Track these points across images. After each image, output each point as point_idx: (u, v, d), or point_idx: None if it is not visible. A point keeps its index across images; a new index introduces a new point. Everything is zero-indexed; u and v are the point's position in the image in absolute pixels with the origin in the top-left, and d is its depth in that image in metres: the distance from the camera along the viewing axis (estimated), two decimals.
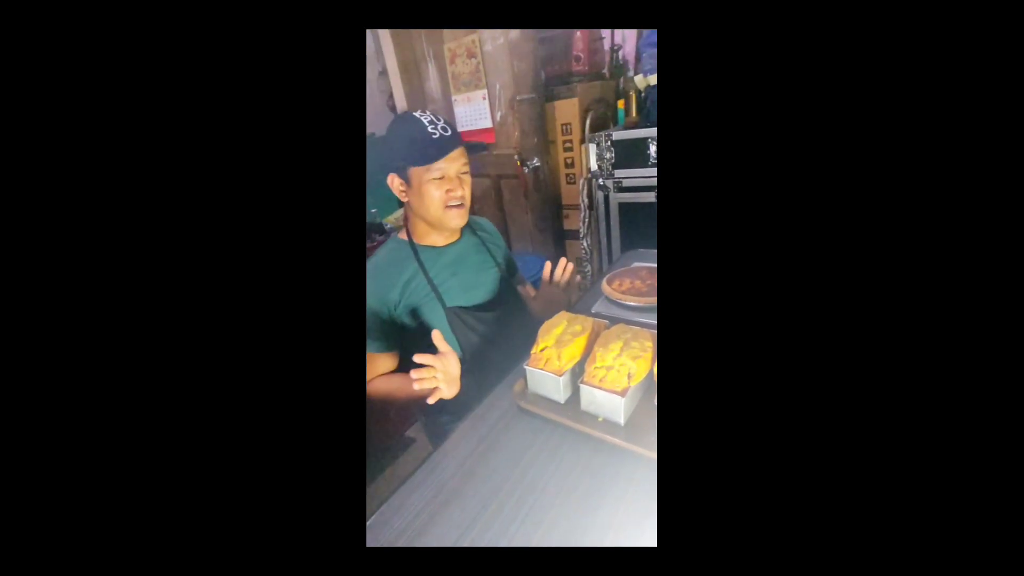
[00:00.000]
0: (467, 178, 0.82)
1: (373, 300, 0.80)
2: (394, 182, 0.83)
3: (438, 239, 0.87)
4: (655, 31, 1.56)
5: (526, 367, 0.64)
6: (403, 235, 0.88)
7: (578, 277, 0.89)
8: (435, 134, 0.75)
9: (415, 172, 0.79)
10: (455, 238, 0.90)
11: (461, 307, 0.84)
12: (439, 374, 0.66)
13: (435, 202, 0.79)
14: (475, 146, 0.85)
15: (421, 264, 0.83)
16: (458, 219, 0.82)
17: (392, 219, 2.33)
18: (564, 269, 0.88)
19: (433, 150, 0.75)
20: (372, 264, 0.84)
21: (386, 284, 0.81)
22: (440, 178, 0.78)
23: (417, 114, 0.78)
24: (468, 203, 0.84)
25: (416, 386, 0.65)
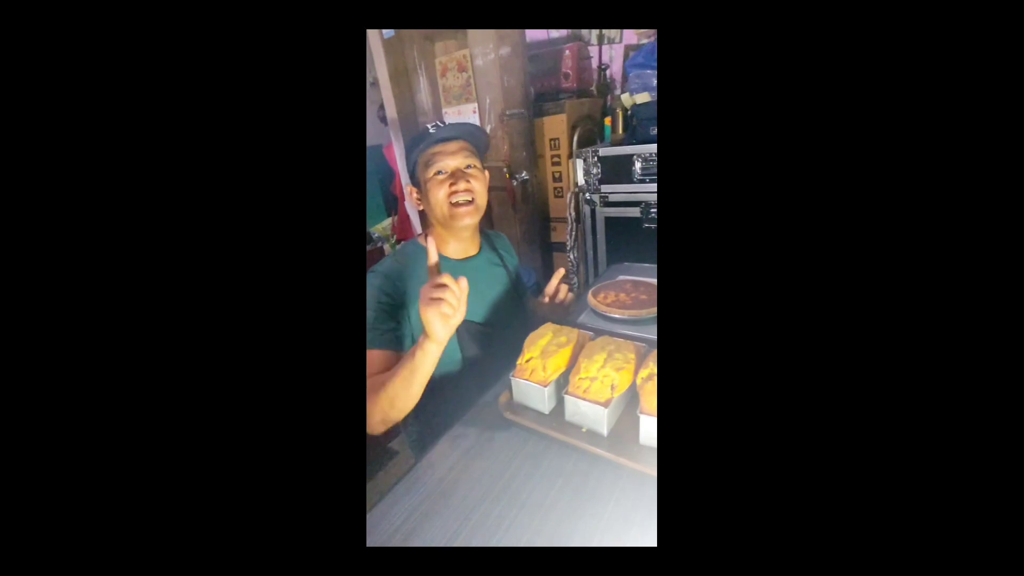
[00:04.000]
0: (476, 173, 0.81)
1: (385, 294, 0.77)
2: (412, 194, 0.84)
3: (457, 251, 0.86)
4: (641, 52, 1.61)
5: (512, 377, 0.64)
6: (422, 241, 0.87)
7: (567, 292, 0.91)
8: (432, 131, 0.79)
9: (421, 175, 0.80)
10: (473, 252, 0.89)
11: (471, 320, 0.82)
12: (453, 298, 0.60)
13: (440, 200, 0.78)
14: (469, 128, 0.82)
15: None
16: (467, 218, 0.80)
17: (379, 228, 2.33)
18: (557, 285, 0.88)
19: (428, 140, 0.79)
20: (392, 260, 0.83)
21: (404, 280, 0.79)
22: (440, 174, 0.78)
23: (427, 124, 0.82)
24: (480, 202, 0.81)
25: (437, 295, 0.59)
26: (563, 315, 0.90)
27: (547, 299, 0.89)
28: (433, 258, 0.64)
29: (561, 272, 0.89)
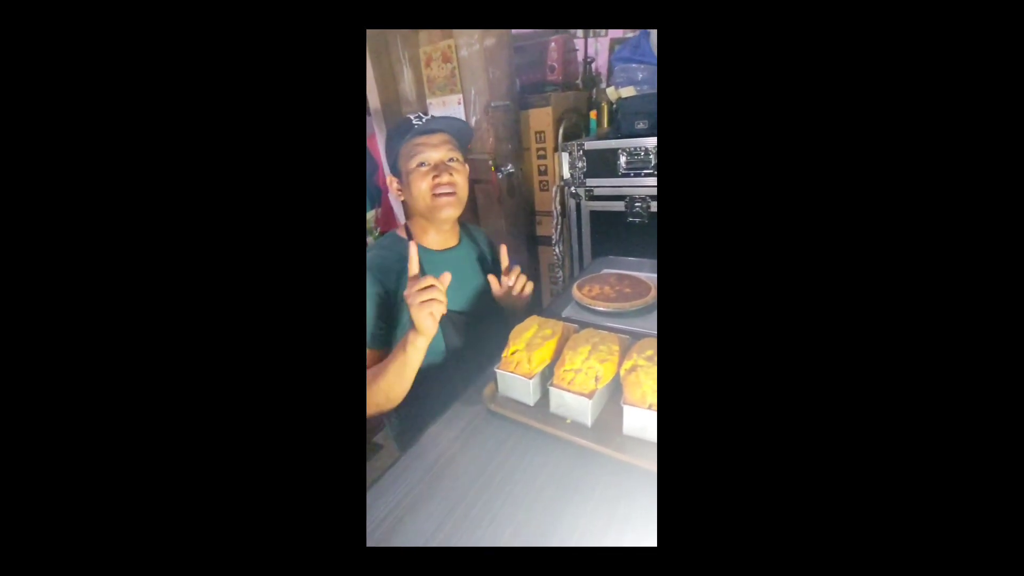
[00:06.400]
0: (458, 167, 0.82)
1: (375, 294, 0.77)
2: (393, 184, 0.85)
3: (437, 242, 0.87)
4: (627, 45, 1.61)
5: (497, 370, 0.64)
6: (402, 232, 0.87)
7: (530, 286, 0.87)
8: (417, 124, 0.79)
9: (404, 165, 0.80)
10: (453, 243, 0.90)
11: (453, 310, 0.83)
12: (440, 295, 0.65)
13: (422, 191, 0.79)
14: (453, 122, 0.82)
15: (419, 261, 0.84)
16: (449, 209, 0.81)
17: None
18: (516, 279, 0.84)
19: (412, 131, 0.79)
20: (374, 253, 0.83)
21: (384, 276, 0.79)
22: (423, 166, 0.79)
23: (410, 114, 0.82)
24: (462, 195, 0.82)
25: (427, 297, 0.63)
26: (521, 306, 0.88)
27: (506, 284, 0.85)
28: (414, 264, 0.68)
29: (517, 269, 0.86)
